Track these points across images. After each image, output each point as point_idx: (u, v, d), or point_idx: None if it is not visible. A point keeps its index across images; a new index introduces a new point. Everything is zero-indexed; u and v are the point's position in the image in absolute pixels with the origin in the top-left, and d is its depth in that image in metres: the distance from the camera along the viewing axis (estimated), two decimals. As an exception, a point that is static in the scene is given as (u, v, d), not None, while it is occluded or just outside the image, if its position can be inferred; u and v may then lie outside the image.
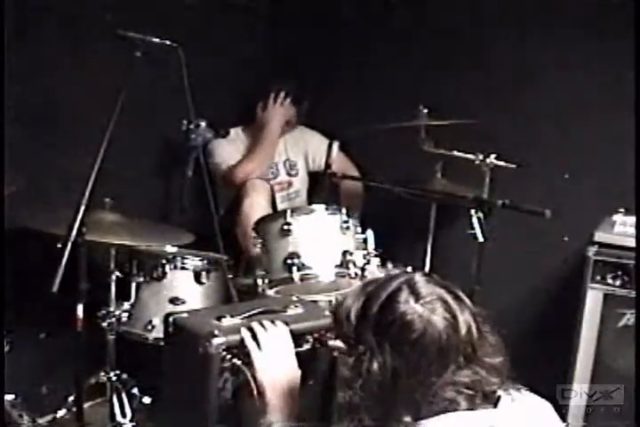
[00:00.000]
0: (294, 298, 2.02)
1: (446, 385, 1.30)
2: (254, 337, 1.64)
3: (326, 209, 2.52)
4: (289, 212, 2.46)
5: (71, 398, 2.44)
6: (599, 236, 2.63)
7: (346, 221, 2.50)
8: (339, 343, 1.43)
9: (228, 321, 1.72)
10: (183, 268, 2.58)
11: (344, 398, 1.39)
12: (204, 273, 2.58)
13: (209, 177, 2.65)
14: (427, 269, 3.04)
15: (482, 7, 3.09)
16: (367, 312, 1.34)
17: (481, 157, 2.76)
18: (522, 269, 3.14)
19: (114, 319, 2.50)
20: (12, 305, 2.33)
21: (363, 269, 2.44)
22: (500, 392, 1.35)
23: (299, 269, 2.40)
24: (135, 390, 2.57)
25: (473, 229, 2.48)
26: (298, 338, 1.72)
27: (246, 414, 1.69)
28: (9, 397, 2.42)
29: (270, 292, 2.46)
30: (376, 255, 2.52)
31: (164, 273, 2.55)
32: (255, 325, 1.67)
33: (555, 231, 2.97)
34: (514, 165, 2.76)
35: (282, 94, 3.21)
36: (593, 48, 2.94)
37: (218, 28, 3.28)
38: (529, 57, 3.06)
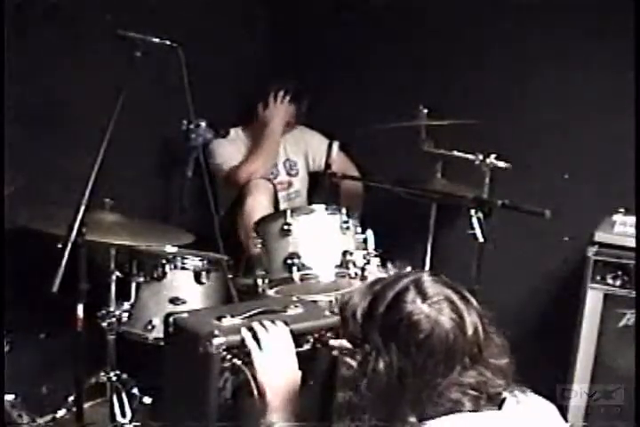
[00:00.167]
0: (294, 298, 2.03)
1: (452, 386, 1.30)
2: (255, 337, 1.64)
3: (326, 209, 2.52)
4: (289, 212, 2.47)
5: (71, 398, 2.44)
6: (599, 236, 2.63)
7: (346, 221, 2.50)
8: (343, 342, 1.42)
9: (228, 321, 1.72)
10: (183, 268, 2.58)
11: (344, 398, 1.39)
12: (204, 273, 2.58)
13: (209, 177, 2.65)
14: (427, 269, 3.03)
15: (482, 7, 3.09)
16: (374, 312, 1.34)
17: (481, 157, 2.76)
18: (522, 269, 3.14)
19: (114, 319, 2.50)
20: (12, 305, 2.33)
21: (363, 269, 2.44)
22: (505, 394, 1.35)
23: (299, 269, 2.40)
24: (135, 390, 2.57)
25: (473, 229, 2.48)
26: (298, 338, 1.72)
27: (246, 414, 1.69)
28: (9, 397, 2.42)
29: (270, 292, 2.46)
30: (376, 255, 2.52)
31: (164, 273, 2.55)
32: (256, 325, 1.67)
33: (555, 231, 2.97)
34: (514, 165, 2.76)
35: (282, 93, 3.21)
36: (593, 48, 2.94)
37: (218, 28, 3.28)
38: (529, 57, 3.07)
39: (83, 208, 2.04)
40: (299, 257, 2.41)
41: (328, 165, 2.77)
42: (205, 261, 2.61)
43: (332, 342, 1.71)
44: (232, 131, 3.02)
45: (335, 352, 1.72)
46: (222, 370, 1.65)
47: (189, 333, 1.72)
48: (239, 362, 1.63)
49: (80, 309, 2.13)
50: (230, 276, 2.62)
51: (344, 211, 2.52)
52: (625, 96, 2.83)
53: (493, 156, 2.75)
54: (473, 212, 2.48)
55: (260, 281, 2.46)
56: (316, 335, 1.77)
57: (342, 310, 1.42)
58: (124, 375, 2.56)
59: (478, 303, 1.38)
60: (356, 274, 2.43)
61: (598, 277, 2.60)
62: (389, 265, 2.59)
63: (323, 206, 2.53)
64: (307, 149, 3.40)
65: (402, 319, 1.30)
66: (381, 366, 1.30)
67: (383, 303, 1.34)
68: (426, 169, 3.01)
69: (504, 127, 3.05)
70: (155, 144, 3.19)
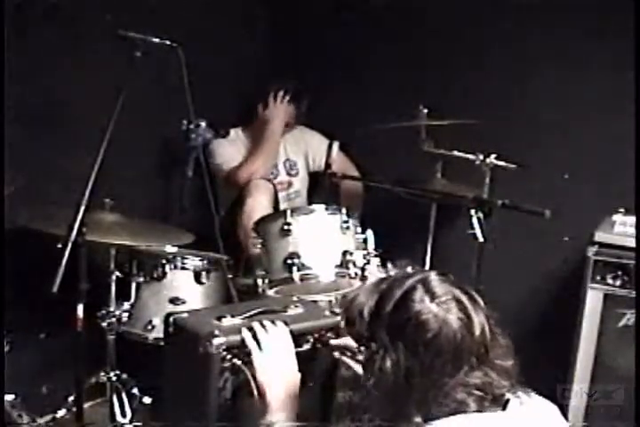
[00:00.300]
0: (294, 298, 2.02)
1: (458, 386, 1.29)
2: (255, 337, 1.64)
3: (326, 209, 2.52)
4: (289, 212, 2.47)
5: (71, 398, 2.43)
6: (599, 236, 2.63)
7: (346, 221, 2.50)
8: (347, 340, 1.42)
9: (228, 321, 1.72)
10: (183, 268, 2.58)
11: (344, 398, 1.39)
12: (204, 273, 2.58)
13: (209, 177, 2.65)
14: (427, 269, 3.03)
15: (482, 7, 3.09)
16: (381, 310, 1.34)
17: (481, 157, 2.76)
18: (522, 269, 3.14)
19: (114, 319, 2.50)
20: (12, 305, 2.33)
21: (363, 269, 2.44)
22: (508, 395, 1.35)
23: (299, 269, 2.40)
24: (135, 390, 2.57)
25: (473, 229, 2.48)
26: (298, 338, 1.72)
27: (246, 414, 1.69)
28: (9, 397, 2.41)
29: (270, 292, 2.46)
30: (376, 255, 2.52)
31: (164, 273, 2.55)
32: (256, 325, 1.67)
33: (555, 231, 2.97)
34: (514, 165, 2.76)
35: (282, 93, 3.21)
36: (593, 48, 2.94)
37: (218, 28, 3.28)
38: (529, 57, 3.07)
39: (83, 208, 2.04)
40: (299, 257, 2.41)
41: (328, 165, 2.77)
42: (205, 261, 2.61)
43: (335, 342, 1.71)
44: (232, 131, 3.02)
45: (337, 353, 1.73)
46: (222, 370, 1.65)
47: (189, 333, 1.72)
48: (239, 362, 1.62)
49: (80, 309, 2.13)
50: (230, 276, 2.62)
51: (344, 211, 2.52)
52: (625, 96, 2.83)
53: (493, 156, 2.75)
54: (473, 212, 2.48)
55: (259, 281, 2.46)
56: (316, 335, 1.77)
57: (347, 309, 1.42)
58: (124, 375, 2.56)
59: (484, 304, 1.38)
60: (355, 274, 2.43)
61: (598, 277, 2.60)
62: (389, 265, 2.60)
63: (323, 206, 2.53)
64: (307, 149, 3.40)
65: (410, 318, 1.30)
66: (388, 365, 1.30)
67: (390, 302, 1.33)
68: (426, 169, 3.01)
69: (504, 127, 3.05)
70: (155, 144, 3.19)
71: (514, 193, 2.63)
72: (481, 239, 2.48)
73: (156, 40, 2.27)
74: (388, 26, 3.32)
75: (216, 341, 1.61)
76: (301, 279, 2.40)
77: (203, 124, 2.52)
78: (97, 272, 2.35)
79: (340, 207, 2.55)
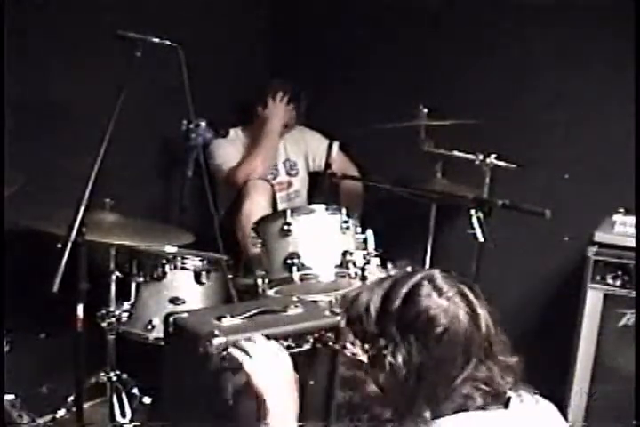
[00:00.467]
0: (294, 298, 2.02)
1: (466, 380, 1.31)
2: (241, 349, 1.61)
3: (326, 209, 2.52)
4: (289, 212, 2.46)
5: (71, 398, 2.44)
6: (599, 236, 2.63)
7: (346, 221, 2.50)
8: (350, 338, 1.42)
9: (228, 321, 1.72)
10: (183, 268, 2.58)
11: (344, 398, 1.39)
12: (204, 273, 2.58)
13: (209, 177, 2.65)
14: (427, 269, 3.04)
15: (482, 7, 3.09)
16: (389, 306, 1.35)
17: (481, 157, 2.76)
18: (522, 269, 3.14)
19: (114, 319, 2.50)
20: (12, 305, 2.33)
21: (363, 269, 2.44)
22: (510, 393, 1.36)
23: (299, 270, 2.40)
24: (135, 390, 2.56)
25: (473, 229, 2.48)
26: (298, 338, 1.72)
27: (246, 414, 1.69)
28: (9, 397, 2.42)
29: (270, 292, 2.46)
30: (376, 255, 2.52)
31: (164, 273, 2.55)
32: (240, 341, 1.63)
33: (555, 231, 2.97)
34: (514, 165, 2.76)
35: (281, 93, 3.21)
36: (593, 48, 2.94)
37: (218, 28, 3.28)
38: (529, 57, 3.07)
39: (83, 208, 2.04)
40: (299, 257, 2.41)
41: (328, 165, 2.77)
42: (205, 261, 2.60)
43: (345, 342, 1.70)
44: (232, 131, 3.02)
45: (340, 347, 1.72)
46: (222, 370, 1.65)
47: (189, 333, 1.71)
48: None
49: (80, 309, 2.13)
50: (230, 276, 2.62)
51: (344, 211, 2.52)
52: (625, 96, 2.83)
53: (493, 156, 2.75)
54: (473, 212, 2.48)
55: (259, 281, 2.46)
56: (316, 335, 1.76)
57: (350, 307, 1.43)
58: (124, 375, 2.56)
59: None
60: (355, 274, 2.43)
61: (598, 277, 2.61)
62: (389, 265, 2.60)
63: (323, 206, 2.53)
64: (307, 149, 3.40)
65: (419, 313, 1.32)
66: (400, 360, 1.31)
67: (398, 298, 1.35)
68: (426, 169, 3.01)
69: (504, 127, 3.05)
70: (155, 144, 3.19)
71: (514, 193, 2.63)
72: (481, 239, 2.48)
73: (156, 40, 2.27)
74: (388, 26, 3.32)
75: (216, 341, 1.61)
76: (301, 279, 2.40)
77: (203, 124, 2.52)
78: (97, 272, 2.35)
79: (339, 207, 2.55)
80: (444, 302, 1.33)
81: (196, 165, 2.55)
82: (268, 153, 3.17)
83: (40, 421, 2.49)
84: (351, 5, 3.38)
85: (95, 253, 2.37)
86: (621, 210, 2.73)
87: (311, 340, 1.75)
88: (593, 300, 2.61)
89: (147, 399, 2.57)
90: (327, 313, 1.84)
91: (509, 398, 1.36)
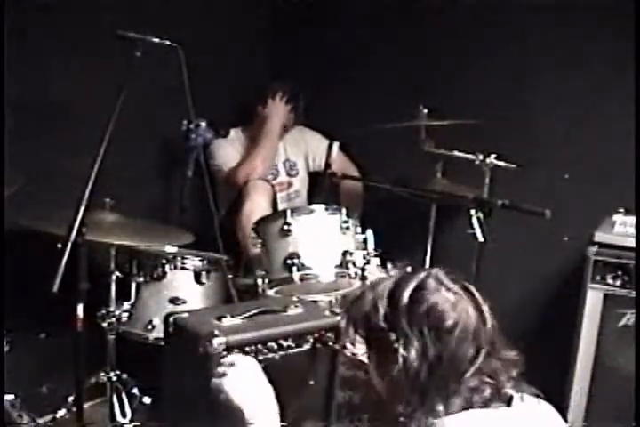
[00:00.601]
0: (294, 298, 2.02)
1: (474, 374, 1.33)
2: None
3: (326, 209, 2.52)
4: (289, 212, 2.46)
5: (71, 398, 2.44)
6: (599, 236, 2.63)
7: (346, 221, 2.50)
8: (350, 338, 1.43)
9: (228, 321, 1.72)
10: (183, 268, 2.58)
11: (344, 398, 1.39)
12: (204, 273, 2.58)
13: (209, 177, 2.65)
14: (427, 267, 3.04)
15: (482, 7, 3.09)
16: (397, 302, 1.36)
17: (481, 157, 2.76)
18: (522, 268, 3.14)
19: (114, 319, 2.50)
20: (12, 305, 2.33)
21: (363, 269, 2.44)
22: (511, 391, 1.38)
23: (299, 270, 2.40)
24: (135, 390, 2.57)
25: (473, 229, 2.48)
26: (298, 338, 1.72)
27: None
28: (9, 397, 2.42)
29: (270, 292, 2.46)
30: (376, 255, 2.52)
31: (164, 273, 2.55)
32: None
33: (555, 231, 2.97)
34: (514, 165, 2.77)
35: (280, 93, 3.21)
36: (593, 48, 2.94)
37: (218, 28, 3.28)
38: (529, 57, 3.07)
39: (83, 208, 2.04)
40: (299, 257, 2.41)
41: (328, 165, 2.77)
42: (205, 261, 2.61)
43: (347, 344, 1.71)
44: (232, 131, 3.02)
45: (338, 345, 1.72)
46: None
47: (189, 333, 1.72)
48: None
49: (80, 309, 2.13)
50: (230, 276, 2.62)
51: (344, 211, 2.52)
52: (625, 96, 2.83)
53: (493, 156, 2.76)
54: (473, 212, 2.48)
55: (259, 281, 2.46)
56: (316, 335, 1.76)
57: (352, 307, 1.45)
58: (124, 375, 2.56)
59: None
60: (355, 274, 2.43)
61: (598, 277, 2.61)
62: (389, 265, 2.60)
63: (323, 206, 2.53)
64: (307, 150, 3.40)
65: (429, 308, 1.34)
66: (413, 354, 1.32)
67: (405, 294, 1.36)
68: (426, 169, 3.01)
69: (504, 127, 3.05)
70: (155, 144, 3.19)
71: (514, 193, 2.63)
72: (481, 239, 2.48)
73: (156, 40, 2.27)
74: (388, 26, 3.32)
75: (216, 341, 1.61)
76: (301, 279, 2.40)
77: (203, 124, 2.52)
78: (97, 272, 2.35)
79: (340, 207, 2.55)
80: (452, 296, 1.36)
81: (196, 165, 2.55)
82: (268, 153, 3.17)
83: (40, 421, 2.49)
84: (351, 5, 3.38)
85: (95, 253, 2.37)
86: (621, 210, 2.73)
87: (311, 340, 1.76)
88: (593, 300, 2.61)
89: (147, 399, 2.57)
90: (327, 313, 1.85)
91: (512, 397, 1.37)
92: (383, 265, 2.58)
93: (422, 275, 1.40)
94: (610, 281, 2.60)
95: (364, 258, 2.47)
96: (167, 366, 1.83)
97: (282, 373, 1.60)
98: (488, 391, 1.34)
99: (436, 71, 3.25)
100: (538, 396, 1.44)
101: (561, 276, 3.07)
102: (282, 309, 1.84)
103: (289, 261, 2.41)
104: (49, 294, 1.88)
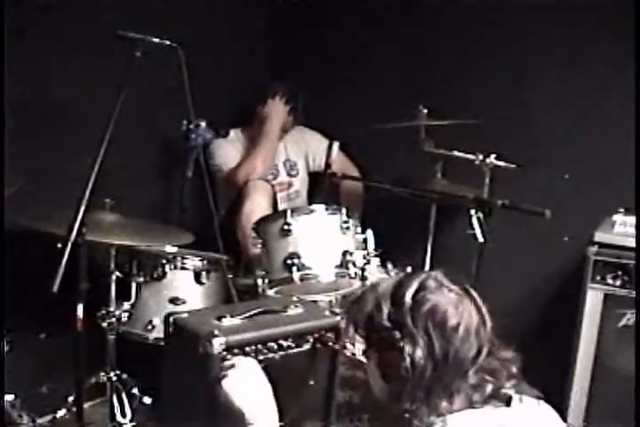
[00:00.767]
0: (294, 298, 2.02)
1: (476, 372, 1.35)
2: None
3: (326, 209, 2.52)
4: (289, 212, 2.46)
5: (71, 398, 2.44)
6: (599, 236, 2.63)
7: (346, 221, 2.50)
8: (350, 338, 1.44)
9: (228, 321, 1.72)
10: (183, 268, 2.58)
11: (344, 398, 1.39)
12: (204, 273, 2.58)
13: (209, 177, 2.65)
14: (427, 269, 3.04)
15: (482, 7, 3.09)
16: (400, 302, 1.37)
17: (481, 157, 2.76)
18: (522, 269, 3.14)
19: (114, 319, 2.50)
20: (12, 305, 2.33)
21: (363, 270, 2.44)
22: (511, 393, 1.39)
23: (299, 269, 2.40)
24: (135, 390, 2.56)
25: (473, 229, 2.48)
26: (298, 338, 1.72)
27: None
28: (9, 397, 2.41)
29: (270, 292, 2.46)
30: (376, 255, 2.52)
31: (164, 273, 2.55)
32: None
33: (555, 231, 2.97)
34: (514, 165, 2.76)
35: (280, 93, 3.21)
36: (593, 48, 2.94)
37: (218, 28, 3.28)
38: (529, 57, 3.07)
39: (83, 208, 2.04)
40: (299, 257, 2.41)
41: (328, 165, 2.77)
42: (205, 261, 2.60)
43: (348, 344, 1.71)
44: (232, 131, 3.02)
45: (338, 345, 1.73)
46: (222, 370, 1.65)
47: (189, 333, 1.72)
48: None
49: (80, 309, 2.13)
50: (230, 276, 2.62)
51: (344, 211, 2.52)
52: (625, 96, 2.83)
53: (493, 156, 2.76)
54: (473, 212, 2.48)
55: (259, 281, 2.46)
56: (316, 335, 1.77)
57: (353, 309, 1.46)
58: (124, 375, 2.56)
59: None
60: (355, 274, 2.43)
61: (598, 277, 2.61)
62: (389, 265, 2.60)
63: (323, 206, 2.53)
64: (307, 150, 3.40)
65: (433, 307, 1.36)
66: (419, 352, 1.33)
67: (408, 295, 1.38)
68: (426, 169, 3.01)
69: (504, 127, 3.05)
70: (155, 144, 3.19)
71: (514, 193, 2.63)
72: (481, 239, 2.48)
73: (156, 40, 2.27)
74: (388, 26, 3.32)
75: (216, 341, 1.61)
76: (301, 279, 2.40)
77: (203, 124, 2.52)
78: (97, 272, 2.35)
79: (340, 207, 2.55)
80: (453, 296, 1.38)
81: (195, 165, 2.55)
82: (268, 153, 3.17)
83: (40, 421, 2.49)
84: (351, 5, 3.38)
85: (95, 253, 2.37)
86: (621, 210, 2.73)
87: (311, 340, 1.76)
88: (593, 300, 2.61)
89: (147, 399, 2.57)
90: (327, 313, 1.85)
91: (510, 398, 1.38)
92: (383, 265, 2.58)
93: (423, 276, 1.41)
94: (610, 281, 2.60)
95: (364, 258, 2.47)
96: (167, 366, 1.84)
97: (282, 373, 1.60)
98: (488, 389, 1.35)
99: (436, 71, 3.25)
100: (539, 398, 1.44)
101: (561, 276, 3.07)
102: (282, 309, 1.84)
103: (289, 261, 2.41)
104: (49, 294, 1.88)
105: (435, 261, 3.06)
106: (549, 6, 2.93)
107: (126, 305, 2.54)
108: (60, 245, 1.99)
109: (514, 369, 1.41)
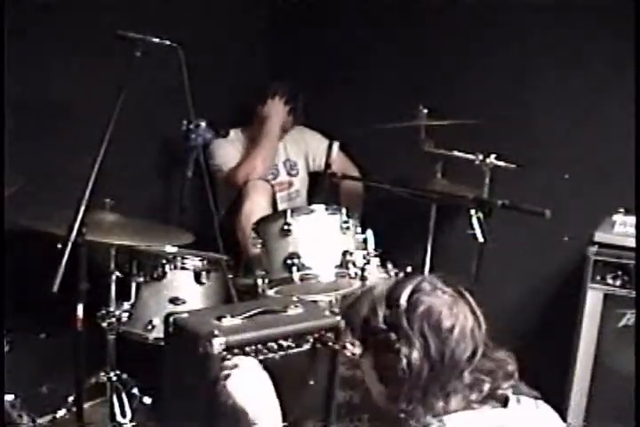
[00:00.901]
0: (294, 298, 2.02)
1: (472, 372, 1.36)
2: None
3: (326, 209, 2.52)
4: (289, 212, 2.46)
5: (71, 398, 2.44)
6: (599, 236, 2.63)
7: (346, 221, 2.50)
8: (350, 338, 1.44)
9: (228, 321, 1.72)
10: (183, 268, 2.58)
11: (344, 398, 1.40)
12: (204, 273, 2.58)
13: (209, 177, 2.65)
14: (427, 269, 3.04)
15: (482, 7, 3.09)
16: (396, 305, 1.38)
17: (481, 157, 2.76)
18: (522, 269, 3.14)
19: (114, 319, 2.50)
20: (12, 305, 2.33)
21: (363, 269, 2.44)
22: (508, 393, 1.39)
23: (299, 270, 2.40)
24: (135, 390, 2.57)
25: (473, 229, 2.48)
26: (298, 338, 1.72)
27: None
28: (9, 397, 2.41)
29: (270, 292, 2.46)
30: (376, 255, 2.52)
31: (164, 273, 2.55)
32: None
33: (555, 231, 2.97)
34: (514, 165, 2.76)
35: (280, 93, 3.21)
36: (593, 48, 2.94)
37: (218, 28, 3.28)
38: (529, 57, 3.07)
39: (83, 208, 2.04)
40: (299, 257, 2.41)
41: (328, 165, 2.77)
42: (205, 261, 2.61)
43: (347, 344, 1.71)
44: (232, 132, 3.02)
45: (338, 345, 1.73)
46: (222, 370, 1.65)
47: (189, 333, 1.72)
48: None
49: (80, 309, 2.13)
50: (230, 276, 2.62)
51: (344, 211, 2.52)
52: (625, 96, 2.83)
53: (493, 156, 2.75)
54: (473, 212, 2.48)
55: (259, 281, 2.46)
56: (316, 335, 1.77)
57: (349, 313, 1.47)
58: (124, 375, 2.56)
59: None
60: (355, 274, 2.43)
61: (598, 277, 2.61)
62: (389, 265, 2.60)
63: (323, 206, 2.53)
64: (307, 149, 3.40)
65: (428, 309, 1.36)
66: (415, 353, 1.34)
67: (403, 297, 1.38)
68: (426, 169, 3.01)
69: (504, 127, 3.05)
70: (155, 144, 3.19)
71: (514, 193, 2.63)
72: (481, 239, 2.48)
73: (156, 40, 2.27)
74: (388, 26, 3.32)
75: (216, 341, 1.61)
76: (301, 279, 2.40)
77: (203, 124, 2.52)
78: (97, 272, 2.35)
79: (340, 207, 2.55)
80: (448, 298, 1.39)
81: (195, 165, 2.55)
82: (268, 153, 3.17)
83: (40, 421, 2.49)
84: (351, 5, 3.38)
85: (95, 253, 2.37)
86: (621, 210, 2.72)
87: (311, 340, 1.76)
88: (593, 300, 2.61)
89: (147, 399, 2.57)
90: (327, 313, 1.85)
91: (507, 399, 1.39)
92: (383, 265, 2.58)
93: (417, 279, 1.42)
94: (610, 281, 2.60)
95: (364, 258, 2.47)
96: (167, 366, 1.84)
97: (282, 373, 1.60)
98: (485, 389, 1.36)
99: (436, 71, 3.25)
100: (537, 398, 1.44)
101: (561, 276, 3.07)
102: (282, 309, 1.84)
103: (289, 261, 2.41)
104: (49, 294, 1.88)
105: (435, 261, 3.06)
106: (549, 6, 2.93)
107: (126, 305, 2.54)
108: (59, 245, 1.99)
109: (510, 369, 1.41)
